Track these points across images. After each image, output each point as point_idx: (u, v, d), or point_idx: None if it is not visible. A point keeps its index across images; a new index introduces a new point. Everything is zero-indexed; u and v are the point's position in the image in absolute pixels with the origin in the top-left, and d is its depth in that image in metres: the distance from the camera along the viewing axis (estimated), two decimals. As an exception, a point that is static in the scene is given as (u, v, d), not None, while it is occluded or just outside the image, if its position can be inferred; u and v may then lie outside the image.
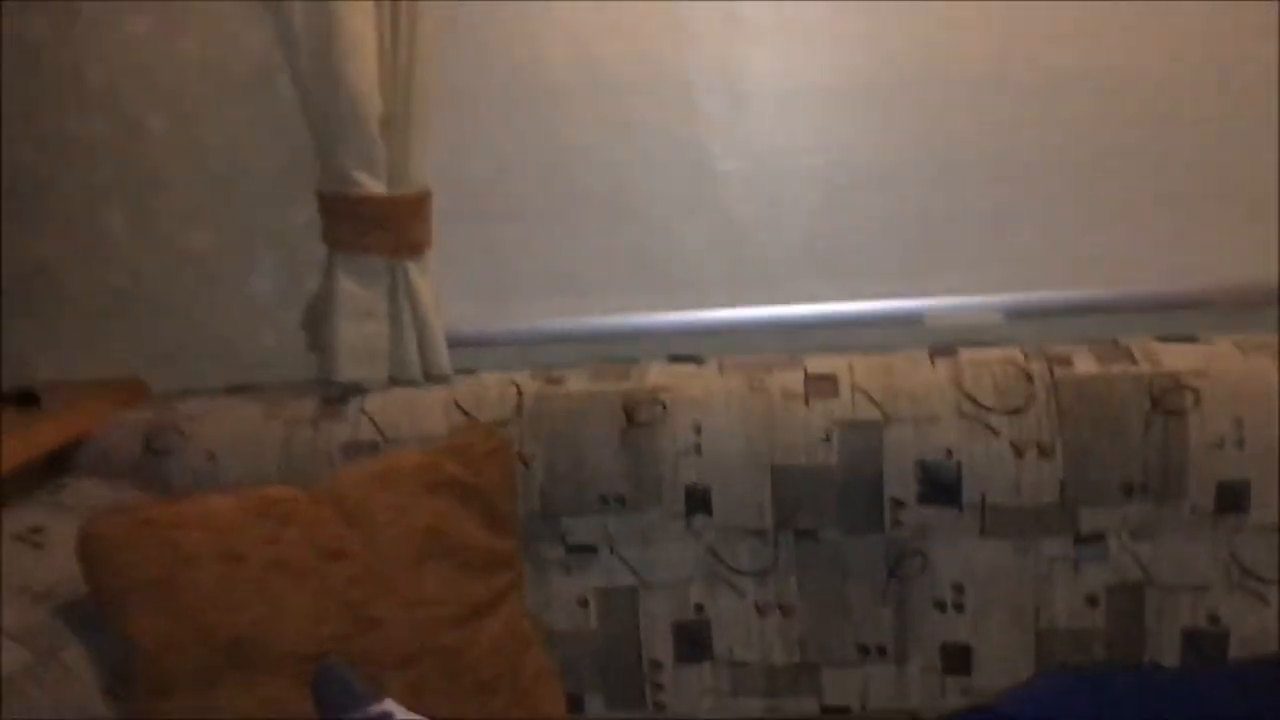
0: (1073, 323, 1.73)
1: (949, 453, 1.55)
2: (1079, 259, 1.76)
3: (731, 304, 1.81)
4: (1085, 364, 1.58)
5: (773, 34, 1.73)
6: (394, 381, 1.72)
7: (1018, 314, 1.75)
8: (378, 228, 1.67)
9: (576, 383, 1.67)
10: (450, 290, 1.77)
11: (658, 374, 1.67)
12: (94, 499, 1.56)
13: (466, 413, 1.65)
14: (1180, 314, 1.71)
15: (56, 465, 1.66)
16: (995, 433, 1.55)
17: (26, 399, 1.68)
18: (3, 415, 1.63)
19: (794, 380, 1.61)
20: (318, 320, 1.73)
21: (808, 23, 1.73)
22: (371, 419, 1.65)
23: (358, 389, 1.70)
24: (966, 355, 1.63)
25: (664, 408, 1.60)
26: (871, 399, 1.58)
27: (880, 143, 1.75)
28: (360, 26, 1.59)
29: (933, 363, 1.63)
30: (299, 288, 1.80)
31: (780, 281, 1.80)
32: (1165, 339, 1.63)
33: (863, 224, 1.78)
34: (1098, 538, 1.56)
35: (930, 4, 1.70)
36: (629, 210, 1.80)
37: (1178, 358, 1.57)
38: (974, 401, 1.56)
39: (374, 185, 1.65)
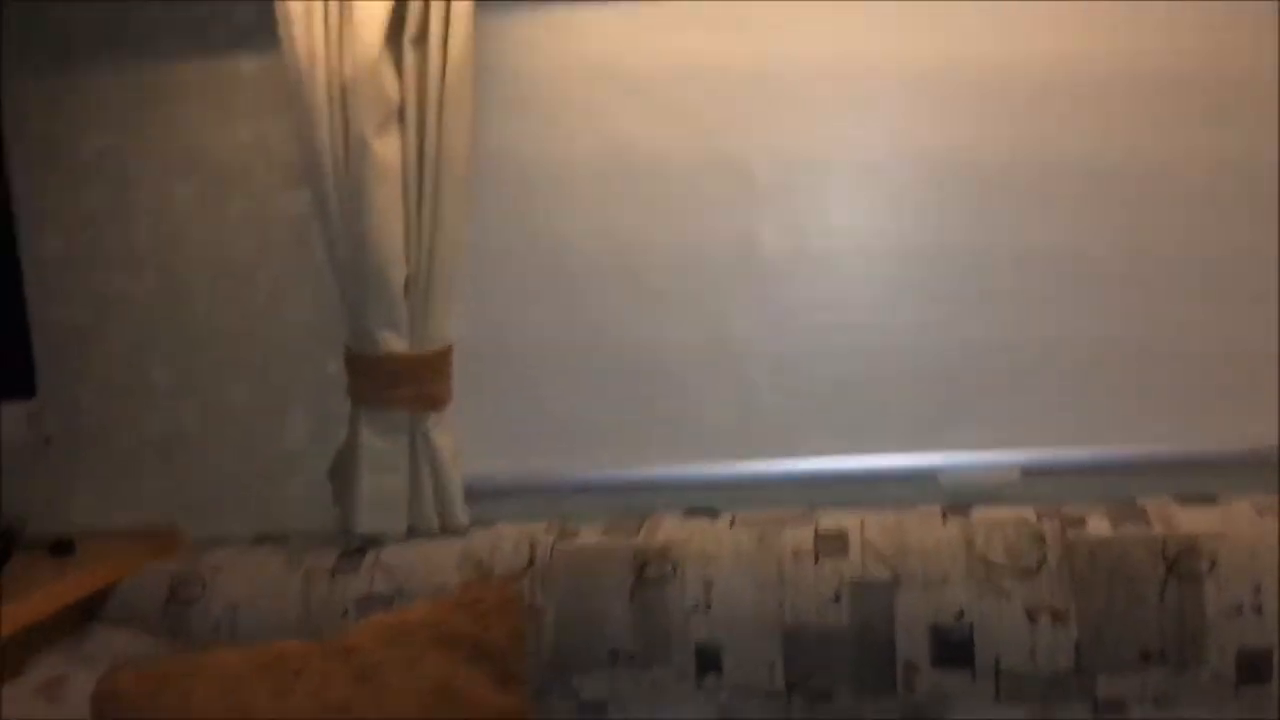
0: (1091, 480, 1.72)
1: (961, 614, 1.53)
2: (1097, 417, 1.75)
3: (747, 458, 1.82)
4: (1099, 526, 1.56)
5: (783, 199, 1.79)
6: (412, 533, 1.76)
7: (1035, 472, 1.74)
8: (400, 383, 1.72)
9: (589, 536, 1.68)
10: (472, 442, 1.81)
11: (669, 528, 1.68)
12: (117, 649, 1.60)
13: (481, 565, 1.67)
14: (1200, 473, 1.69)
15: (89, 610, 1.70)
16: (1007, 595, 1.53)
17: (62, 548, 1.74)
18: (38, 565, 1.69)
19: (804, 537, 1.62)
20: (342, 472, 1.78)
21: (817, 187, 1.79)
22: (388, 571, 1.68)
23: (376, 540, 1.74)
24: (979, 515, 1.62)
25: (674, 566, 1.61)
26: (882, 558, 1.57)
27: (895, 301, 1.78)
28: (388, 198, 1.67)
29: (944, 521, 1.62)
30: (328, 438, 1.85)
31: (795, 437, 1.81)
32: (1183, 498, 1.61)
33: (878, 381, 1.79)
34: (1118, 705, 1.52)
35: (942, 165, 1.75)
36: (647, 367, 1.84)
37: (1193, 520, 1.55)
38: (985, 562, 1.55)
39: (397, 343, 1.71)
